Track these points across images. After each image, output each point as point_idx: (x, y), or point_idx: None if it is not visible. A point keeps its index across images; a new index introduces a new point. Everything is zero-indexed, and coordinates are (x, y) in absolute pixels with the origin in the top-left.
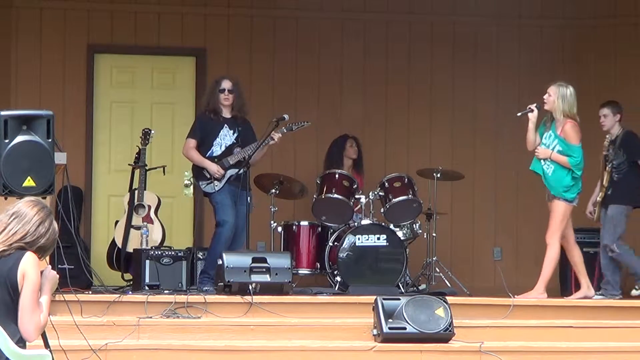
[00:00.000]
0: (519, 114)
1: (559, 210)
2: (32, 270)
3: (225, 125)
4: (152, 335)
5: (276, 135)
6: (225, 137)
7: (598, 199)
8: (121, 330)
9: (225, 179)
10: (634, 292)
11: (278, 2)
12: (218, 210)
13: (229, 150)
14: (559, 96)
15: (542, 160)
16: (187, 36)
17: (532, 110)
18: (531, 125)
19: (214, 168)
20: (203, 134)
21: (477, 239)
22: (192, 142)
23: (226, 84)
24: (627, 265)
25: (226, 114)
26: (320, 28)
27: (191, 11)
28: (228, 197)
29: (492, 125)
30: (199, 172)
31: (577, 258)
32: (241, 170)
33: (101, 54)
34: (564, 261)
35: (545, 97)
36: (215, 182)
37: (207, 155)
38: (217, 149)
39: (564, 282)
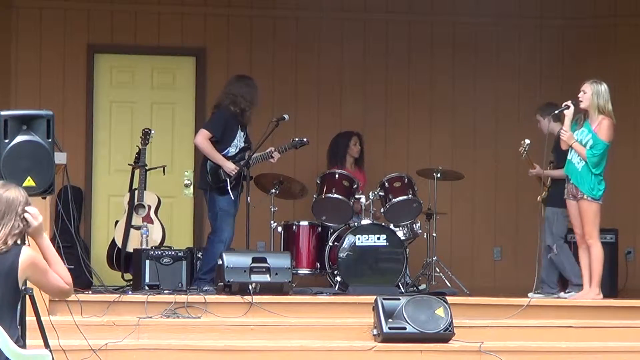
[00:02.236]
0: (555, 112)
1: (589, 209)
2: (36, 265)
3: (240, 126)
4: (152, 335)
5: (276, 156)
6: (241, 139)
7: (538, 198)
8: (121, 330)
9: (234, 182)
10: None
11: (278, 2)
12: (222, 217)
13: (241, 153)
14: (594, 92)
15: (573, 158)
16: (187, 36)
17: (568, 107)
18: (567, 122)
19: (231, 167)
20: (223, 132)
21: (477, 239)
22: (208, 135)
23: None
24: (560, 268)
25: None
26: (320, 28)
27: (191, 11)
28: (232, 206)
29: (492, 125)
30: (215, 171)
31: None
32: (244, 174)
33: (101, 54)
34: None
35: (580, 95)
36: (228, 182)
37: (221, 154)
38: (232, 150)
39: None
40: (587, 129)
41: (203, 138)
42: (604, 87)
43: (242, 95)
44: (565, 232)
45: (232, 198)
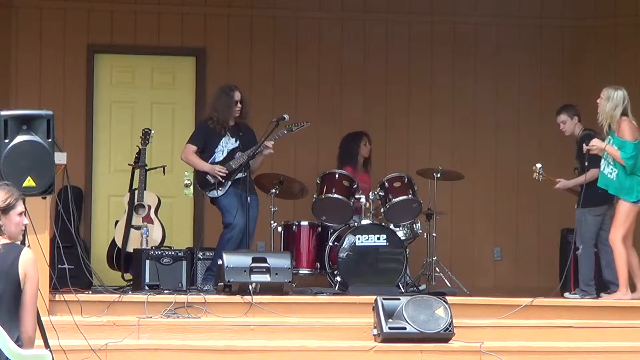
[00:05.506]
0: (586, 164)
1: (622, 210)
2: (33, 270)
3: (228, 133)
4: (152, 335)
5: (269, 144)
6: (227, 144)
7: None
8: (121, 330)
9: (229, 182)
10: (567, 295)
11: (278, 2)
12: (225, 213)
13: (230, 156)
14: (604, 98)
15: (605, 169)
16: (187, 36)
17: (595, 147)
18: (603, 146)
19: (215, 168)
20: (205, 142)
21: (477, 239)
22: (193, 148)
23: (238, 96)
24: (580, 269)
25: (231, 122)
26: (320, 28)
27: (191, 11)
28: (234, 200)
29: (492, 125)
30: (202, 179)
31: (633, 260)
32: (241, 174)
33: (101, 53)
34: (563, 258)
35: (599, 109)
36: (219, 187)
37: (209, 162)
38: (219, 155)
39: (564, 280)
40: (612, 136)
41: (187, 153)
42: (618, 93)
43: (214, 108)
44: (593, 235)
45: (222, 193)
